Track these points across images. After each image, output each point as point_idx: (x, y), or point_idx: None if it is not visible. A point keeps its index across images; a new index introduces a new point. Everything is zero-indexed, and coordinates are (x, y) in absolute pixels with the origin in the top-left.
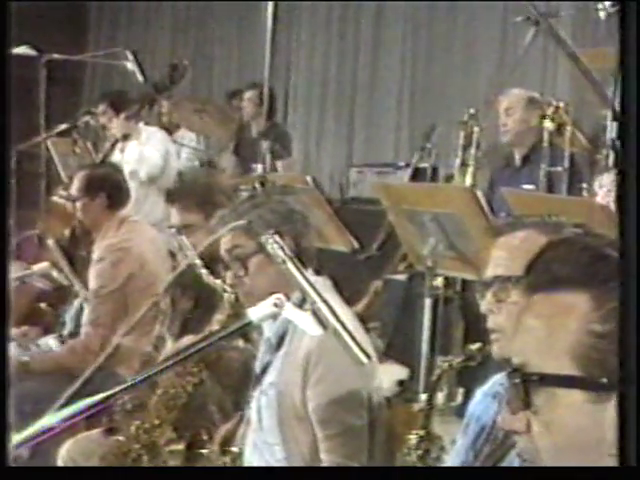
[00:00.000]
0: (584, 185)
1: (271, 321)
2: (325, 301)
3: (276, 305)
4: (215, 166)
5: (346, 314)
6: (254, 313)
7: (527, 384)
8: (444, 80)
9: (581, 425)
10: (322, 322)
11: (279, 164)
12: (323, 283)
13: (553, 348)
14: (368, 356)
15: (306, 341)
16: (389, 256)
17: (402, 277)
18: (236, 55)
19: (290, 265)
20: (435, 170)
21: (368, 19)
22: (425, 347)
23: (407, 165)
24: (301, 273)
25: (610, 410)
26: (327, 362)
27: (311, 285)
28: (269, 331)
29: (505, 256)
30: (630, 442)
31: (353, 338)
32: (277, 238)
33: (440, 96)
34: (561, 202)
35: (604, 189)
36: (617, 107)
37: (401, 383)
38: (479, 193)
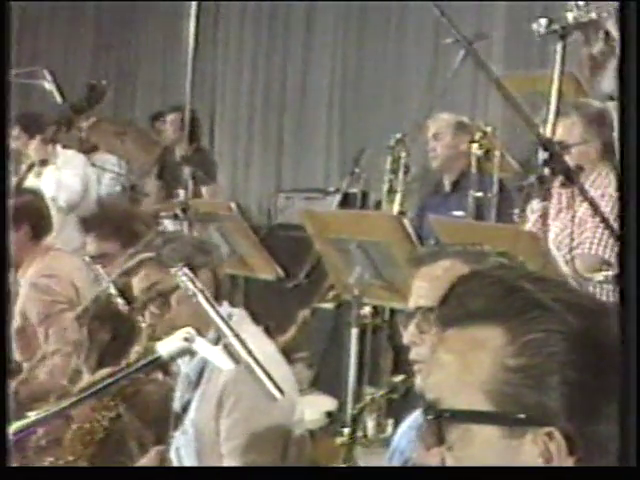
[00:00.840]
0: (515, 211)
1: (188, 357)
2: (237, 335)
3: (186, 339)
4: (139, 191)
5: (264, 346)
6: (163, 347)
7: (440, 420)
8: (375, 104)
9: (496, 461)
10: (234, 356)
11: (203, 190)
12: (239, 315)
13: (466, 383)
14: (281, 391)
15: (223, 374)
16: (317, 284)
17: (330, 306)
18: (160, 76)
19: (201, 298)
20: (365, 195)
21: (296, 42)
22: (352, 377)
23: (337, 190)
24: (212, 306)
25: (526, 445)
26: (240, 394)
27: (222, 318)
28: (187, 367)
29: (427, 286)
30: (630, 442)
31: (266, 373)
32: (186, 270)
33: (371, 120)
34: (488, 229)
35: (535, 215)
36: (546, 133)
37: (330, 414)
38: (406, 221)
